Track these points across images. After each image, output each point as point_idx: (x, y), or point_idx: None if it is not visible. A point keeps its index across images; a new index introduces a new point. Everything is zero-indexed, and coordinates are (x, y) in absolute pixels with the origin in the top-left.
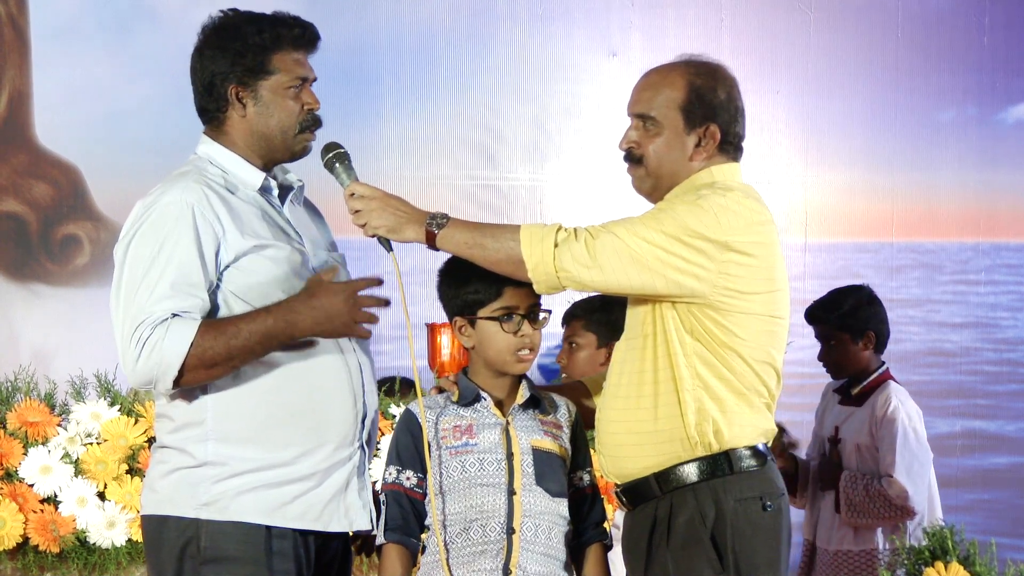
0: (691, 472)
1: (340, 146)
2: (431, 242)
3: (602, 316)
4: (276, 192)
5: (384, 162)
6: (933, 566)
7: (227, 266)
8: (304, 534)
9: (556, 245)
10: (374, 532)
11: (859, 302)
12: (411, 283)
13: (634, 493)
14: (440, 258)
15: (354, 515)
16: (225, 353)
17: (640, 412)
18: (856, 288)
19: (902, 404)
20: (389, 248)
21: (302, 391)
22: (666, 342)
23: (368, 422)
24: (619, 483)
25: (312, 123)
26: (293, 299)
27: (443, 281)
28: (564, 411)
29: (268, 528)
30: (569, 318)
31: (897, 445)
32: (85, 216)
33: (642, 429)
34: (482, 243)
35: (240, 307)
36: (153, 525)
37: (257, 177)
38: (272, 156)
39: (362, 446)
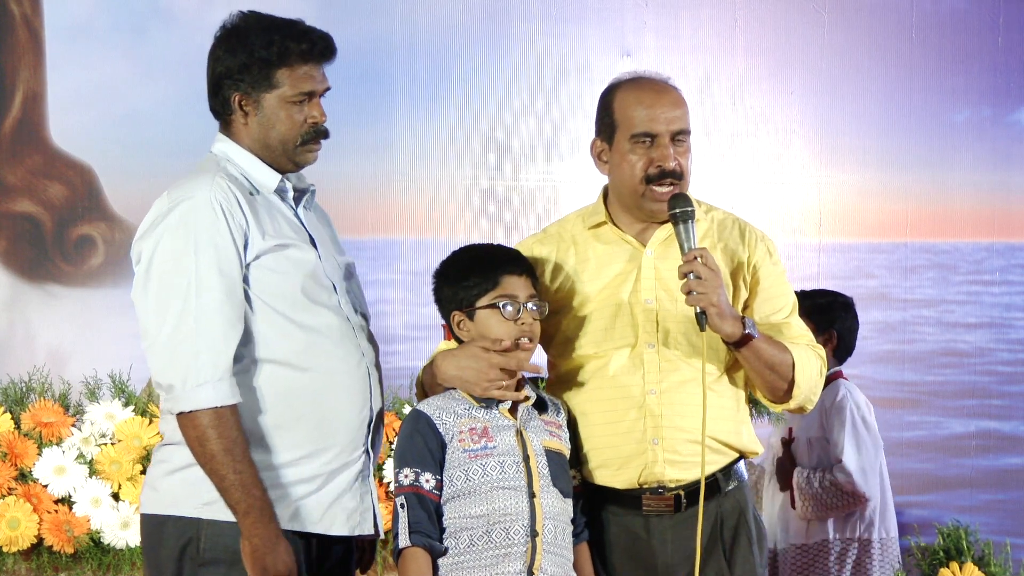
0: (742, 470)
1: (690, 203)
2: (743, 342)
3: None
4: (291, 195)
5: (398, 162)
6: (948, 566)
7: (248, 264)
8: (305, 537)
9: (820, 374)
10: (382, 537)
11: (834, 302)
12: (425, 283)
13: (697, 494)
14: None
15: (357, 519)
16: (214, 451)
17: (720, 421)
18: (838, 293)
19: (850, 393)
20: (703, 327)
21: (312, 395)
22: (735, 362)
23: (374, 426)
24: (674, 485)
25: (315, 136)
26: (270, 530)
27: (441, 281)
28: (559, 408)
29: None
30: None
31: (846, 431)
32: (100, 217)
33: (717, 434)
34: (783, 360)
35: (264, 312)
36: (152, 525)
37: (273, 179)
38: (276, 164)
39: (367, 450)
